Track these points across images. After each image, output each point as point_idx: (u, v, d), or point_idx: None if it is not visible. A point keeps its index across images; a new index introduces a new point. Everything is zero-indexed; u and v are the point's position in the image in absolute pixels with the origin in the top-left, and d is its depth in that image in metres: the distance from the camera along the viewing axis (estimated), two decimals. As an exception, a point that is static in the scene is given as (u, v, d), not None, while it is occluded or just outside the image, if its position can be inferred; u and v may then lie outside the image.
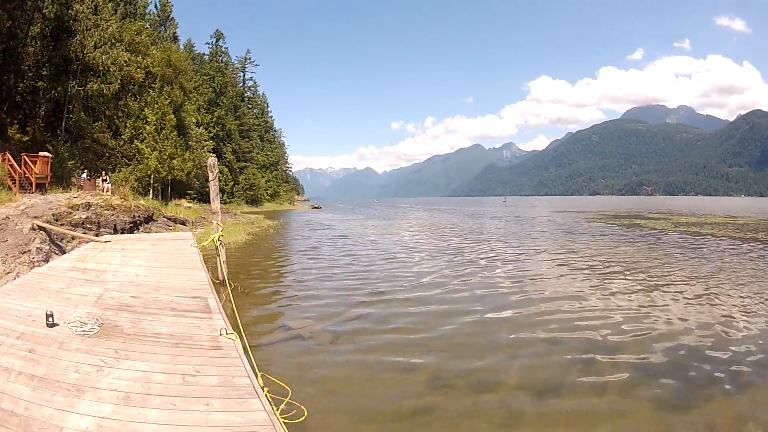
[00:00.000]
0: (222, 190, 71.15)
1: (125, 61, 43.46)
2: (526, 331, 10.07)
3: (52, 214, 19.14)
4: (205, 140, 67.96)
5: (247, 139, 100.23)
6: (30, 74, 39.84)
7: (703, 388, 7.21)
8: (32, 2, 37.25)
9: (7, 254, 15.75)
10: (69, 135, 39.85)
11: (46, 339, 5.60)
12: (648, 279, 16.22)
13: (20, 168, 26.19)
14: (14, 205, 19.83)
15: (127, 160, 48.43)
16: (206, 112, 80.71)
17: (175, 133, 50.76)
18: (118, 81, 42.75)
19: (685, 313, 11.60)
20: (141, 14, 64.51)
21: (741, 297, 13.33)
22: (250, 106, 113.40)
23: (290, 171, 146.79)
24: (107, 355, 5.14)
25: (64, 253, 16.61)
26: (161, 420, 3.87)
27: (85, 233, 19.02)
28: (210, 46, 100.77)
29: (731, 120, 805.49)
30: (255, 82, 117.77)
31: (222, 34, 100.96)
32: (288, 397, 5.78)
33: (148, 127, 48.42)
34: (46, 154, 29.77)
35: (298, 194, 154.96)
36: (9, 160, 26.11)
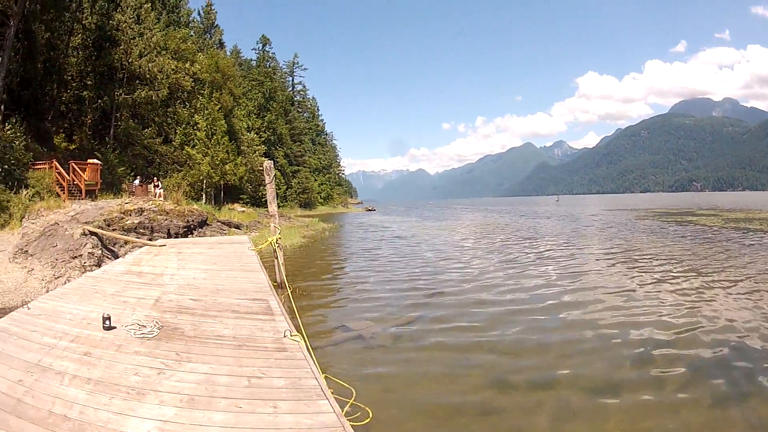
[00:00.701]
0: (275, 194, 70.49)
1: (172, 69, 43.90)
2: (579, 328, 10.32)
3: (104, 220, 19.31)
4: (257, 145, 68.35)
5: (298, 143, 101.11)
6: (74, 84, 40.35)
7: (757, 384, 7.23)
8: (70, 14, 37.89)
9: (57, 259, 16.02)
10: (118, 142, 40.15)
11: (103, 342, 5.59)
12: (699, 276, 16.16)
13: (69, 175, 26.53)
14: (63, 211, 20.02)
15: (178, 166, 49.12)
16: (257, 117, 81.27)
17: (226, 138, 51.01)
18: (166, 88, 43.38)
19: (739, 309, 11.58)
20: (185, 22, 65.59)
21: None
22: (300, 110, 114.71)
23: (343, 174, 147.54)
24: (168, 357, 5.13)
25: (117, 257, 16.76)
26: (227, 423, 3.85)
27: (138, 238, 19.17)
28: (257, 51, 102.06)
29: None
30: (304, 86, 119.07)
31: (268, 40, 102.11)
32: (352, 399, 5.83)
33: (198, 133, 48.85)
34: (96, 161, 30.02)
35: (352, 197, 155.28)
36: (56, 168, 26.65)
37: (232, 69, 64.32)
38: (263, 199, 65.92)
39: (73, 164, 27.43)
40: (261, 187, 67.64)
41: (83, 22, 40.01)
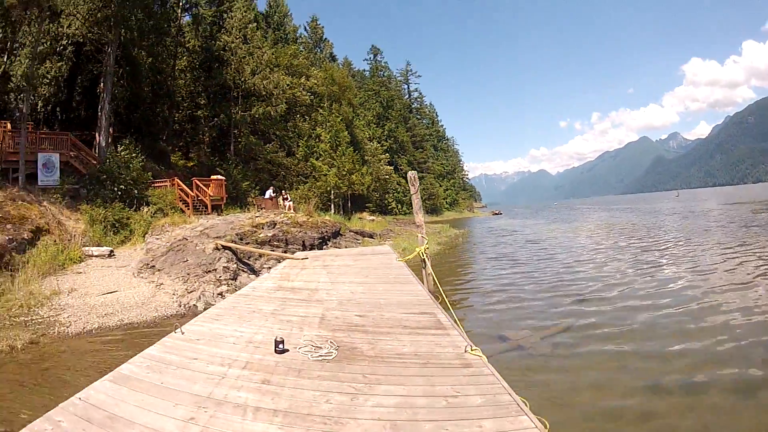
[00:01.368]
0: (401, 201, 73.65)
1: (288, 84, 44.33)
2: (724, 330, 10.10)
3: (236, 234, 19.56)
4: (380, 154, 68.75)
5: (420, 150, 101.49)
6: (185, 104, 42.36)
7: None
8: (171, 38, 39.10)
9: (188, 273, 16.45)
10: (239, 157, 40.79)
11: (279, 367, 5.21)
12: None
13: (192, 191, 26.68)
14: (190, 226, 20.95)
15: (303, 178, 49.79)
16: (376, 127, 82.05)
17: (351, 149, 51.81)
18: (284, 103, 43.48)
19: None
20: (292, 39, 66.77)
21: None
22: (418, 116, 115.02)
23: (467, 178, 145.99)
24: (356, 380, 4.72)
25: (254, 271, 17.56)
26: (439, 447, 3.71)
27: (273, 251, 19.33)
28: (369, 62, 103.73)
29: None
30: (420, 93, 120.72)
31: (379, 50, 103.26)
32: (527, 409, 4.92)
33: (322, 145, 49.95)
34: (219, 177, 30.31)
35: (476, 201, 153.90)
36: (179, 185, 26.92)
37: (347, 80, 65.61)
38: (389, 207, 67.75)
39: (197, 180, 27.70)
40: (387, 195, 68.40)
41: (186, 46, 42.06)
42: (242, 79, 39.92)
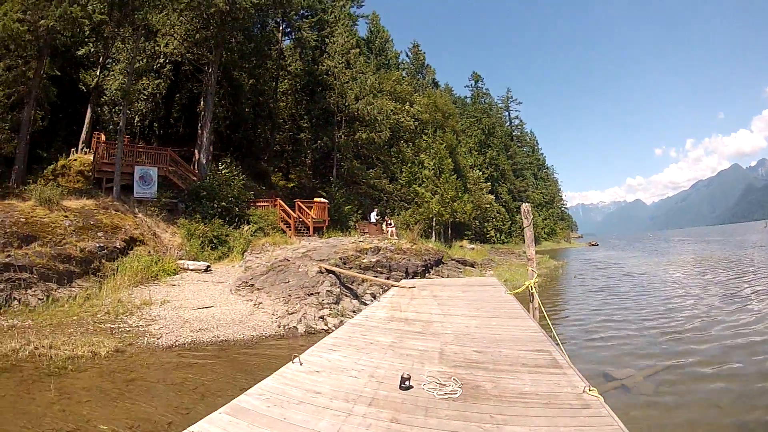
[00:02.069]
0: (500, 230, 73.99)
1: (392, 110, 44.51)
2: None
3: (340, 258, 19.47)
4: (482, 182, 68.02)
5: (521, 179, 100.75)
6: (286, 126, 43.96)
7: None
8: (273, 61, 40.29)
9: (290, 295, 16.24)
10: (342, 181, 40.95)
11: (405, 405, 4.97)
12: None
13: (294, 212, 26.86)
14: (291, 247, 21.25)
15: (405, 204, 49.75)
16: (478, 154, 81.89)
17: (454, 176, 51.44)
18: (388, 129, 43.76)
19: None
20: (394, 65, 67.19)
21: None
22: (519, 144, 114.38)
23: (565, 208, 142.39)
24: (483, 420, 4.56)
25: (357, 296, 17.53)
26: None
27: (375, 277, 19.13)
28: (470, 88, 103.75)
29: None
30: (521, 120, 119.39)
31: (480, 76, 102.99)
32: None
33: (425, 172, 49.69)
34: (323, 199, 30.44)
35: (573, 231, 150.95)
36: (281, 205, 27.25)
37: (450, 107, 65.60)
38: (488, 235, 67.58)
39: (299, 202, 27.95)
40: (486, 223, 68.56)
41: (288, 69, 43.22)
42: (346, 104, 40.31)
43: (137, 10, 21.92)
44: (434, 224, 47.70)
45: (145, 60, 30.23)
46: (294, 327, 13.57)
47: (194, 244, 21.11)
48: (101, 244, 16.61)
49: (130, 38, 24.52)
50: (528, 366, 6.33)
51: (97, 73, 29.61)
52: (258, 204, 27.71)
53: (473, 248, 44.90)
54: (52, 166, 23.93)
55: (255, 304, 15.41)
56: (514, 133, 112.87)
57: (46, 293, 13.73)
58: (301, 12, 43.80)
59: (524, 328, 8.74)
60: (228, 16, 27.83)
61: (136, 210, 20.76)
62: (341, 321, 11.90)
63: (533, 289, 11.20)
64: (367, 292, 17.62)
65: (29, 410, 7.21)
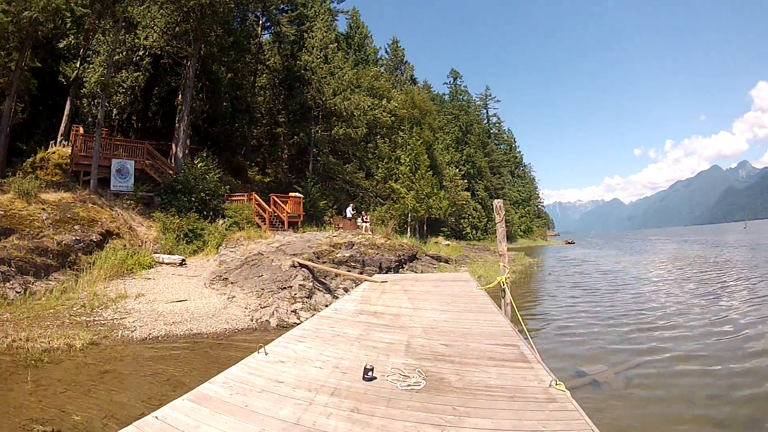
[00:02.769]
0: (476, 227, 73.98)
1: (369, 106, 44.81)
2: None
3: (313, 252, 19.62)
4: (458, 179, 68.91)
5: (498, 176, 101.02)
6: (264, 121, 44.02)
7: None
8: (252, 55, 40.36)
9: (263, 288, 16.45)
10: (317, 176, 41.07)
11: (368, 395, 5.07)
12: None
13: (270, 207, 27.01)
14: (266, 242, 20.97)
15: (381, 200, 50.08)
16: (455, 151, 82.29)
17: (430, 173, 52.06)
18: (364, 125, 44.32)
19: None
20: (373, 60, 67.41)
21: None
22: (497, 142, 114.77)
23: (542, 206, 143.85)
24: (445, 412, 4.62)
25: (329, 290, 17.63)
26: (525, 483, 3.87)
27: (349, 271, 19.34)
28: (448, 85, 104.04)
29: None
30: (499, 118, 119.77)
31: (458, 73, 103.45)
32: None
33: (402, 168, 50.24)
34: (298, 194, 30.67)
35: (549, 229, 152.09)
36: (256, 200, 27.43)
37: (428, 104, 66.05)
38: (464, 232, 67.69)
39: (275, 197, 28.11)
40: (462, 220, 68.90)
41: (267, 63, 43.48)
42: (323, 99, 40.45)
43: (118, 2, 22.02)
44: (410, 220, 48.30)
45: (124, 52, 30.33)
46: (266, 321, 13.72)
47: (169, 237, 21.16)
48: (78, 238, 16.68)
49: (111, 30, 24.50)
50: (495, 360, 6.47)
51: (77, 65, 29.57)
52: (233, 198, 27.87)
53: (448, 244, 45.47)
54: (31, 159, 23.94)
55: (228, 298, 15.54)
56: (491, 131, 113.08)
57: (23, 286, 13.81)
58: (282, 6, 43.76)
59: (493, 323, 8.90)
60: (208, 9, 27.87)
61: (113, 203, 20.82)
62: (313, 315, 11.53)
63: (505, 284, 11.38)
64: (340, 286, 17.77)
65: (6, 401, 7.38)
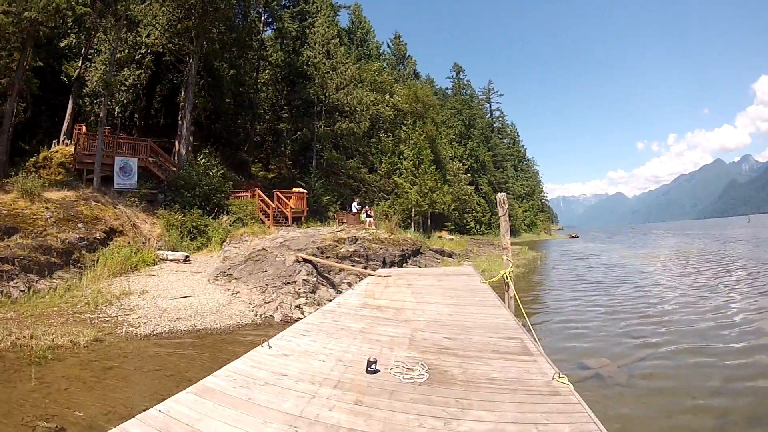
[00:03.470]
0: (479, 221, 73.86)
1: (371, 101, 44.62)
2: None
3: (317, 248, 19.52)
4: (462, 173, 68.89)
5: (501, 170, 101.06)
6: (267, 117, 43.84)
7: None
8: (254, 52, 40.40)
9: (267, 284, 16.42)
10: (321, 171, 41.04)
11: (371, 388, 5.01)
12: None
13: (273, 203, 26.88)
14: (270, 237, 21.09)
15: (384, 194, 50.07)
16: (458, 145, 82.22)
17: (433, 167, 51.92)
18: (367, 120, 44.21)
19: None
20: (375, 55, 67.47)
21: None
22: (500, 136, 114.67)
23: (546, 200, 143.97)
24: (448, 405, 4.56)
25: (333, 285, 17.64)
26: (527, 474, 3.92)
27: (353, 266, 19.22)
28: (451, 80, 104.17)
29: None
30: (502, 112, 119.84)
31: (461, 68, 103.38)
32: None
33: (405, 163, 50.24)
34: (301, 190, 30.57)
35: (553, 223, 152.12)
36: (260, 195, 27.35)
37: (431, 98, 65.74)
38: (468, 226, 67.72)
39: (278, 192, 28.02)
40: (466, 215, 68.81)
41: (269, 59, 43.43)
42: (326, 95, 40.46)
43: (119, 0, 22.01)
44: (413, 215, 48.07)
45: (126, 51, 30.19)
46: (270, 316, 13.79)
47: (173, 234, 21.22)
48: (81, 236, 16.73)
49: (112, 29, 24.52)
50: (498, 353, 6.42)
51: (79, 64, 29.57)
52: (237, 194, 27.90)
53: (452, 239, 45.64)
54: (33, 159, 23.93)
55: (232, 294, 15.59)
56: (494, 125, 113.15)
57: (27, 285, 13.83)
58: (283, 2, 44.08)
59: (497, 316, 8.82)
60: (209, 6, 27.85)
61: (116, 201, 20.86)
62: (317, 310, 11.24)
63: (508, 278, 11.29)
64: (344, 281, 17.75)
65: (10, 398, 7.41)
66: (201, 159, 27.20)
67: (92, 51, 31.50)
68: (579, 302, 18.19)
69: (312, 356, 6.14)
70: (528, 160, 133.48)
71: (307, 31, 42.99)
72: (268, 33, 44.41)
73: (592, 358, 10.44)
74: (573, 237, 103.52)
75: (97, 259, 16.57)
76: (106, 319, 12.19)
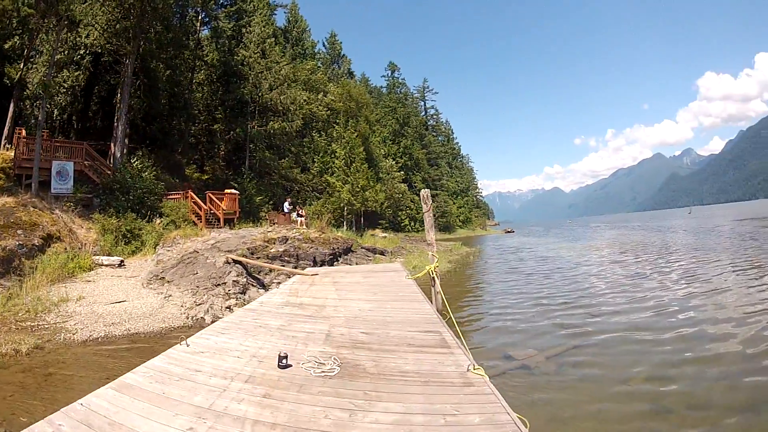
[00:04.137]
0: (414, 219, 73.98)
1: (304, 100, 45.00)
2: (734, 351, 10.07)
3: (247, 248, 19.63)
4: (395, 171, 69.30)
5: (435, 167, 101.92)
6: (202, 117, 43.20)
7: None
8: (190, 51, 40.05)
9: (198, 286, 16.59)
10: (254, 172, 41.41)
11: (281, 382, 5.28)
12: None
13: (206, 204, 27.08)
14: (202, 239, 21.14)
15: (317, 194, 50.33)
16: (392, 143, 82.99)
17: (365, 165, 52.28)
18: (300, 119, 44.39)
19: None
20: (311, 54, 67.36)
21: None
22: (434, 134, 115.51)
23: (481, 196, 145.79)
24: (356, 397, 4.79)
25: (263, 285, 17.75)
26: (431, 465, 3.86)
27: (283, 266, 19.34)
28: (386, 78, 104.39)
29: None
30: (437, 110, 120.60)
31: (396, 66, 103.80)
32: (527, 430, 4.80)
33: (337, 161, 50.44)
34: (233, 190, 30.81)
35: (489, 219, 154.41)
36: (192, 197, 27.35)
37: (365, 96, 65.88)
38: (402, 224, 67.76)
39: (210, 194, 28.25)
40: (400, 212, 68.89)
41: (205, 59, 43.10)
42: (259, 94, 40.64)
43: (62, 0, 21.99)
44: (346, 213, 48.44)
45: (66, 51, 30.05)
46: (202, 317, 13.91)
47: (108, 239, 21.20)
48: (21, 242, 16.80)
49: (54, 29, 24.46)
50: (414, 346, 6.67)
51: (21, 66, 29.13)
52: (170, 197, 27.66)
53: (385, 236, 46.35)
54: (-26, 164, 23.45)
55: (165, 297, 15.77)
56: (429, 123, 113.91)
57: (-30, 295, 13.60)
58: (221, 1, 43.82)
59: (418, 311, 9.16)
60: (148, 5, 28.00)
61: (54, 206, 20.82)
62: (240, 308, 11.48)
63: (434, 273, 11.42)
64: (274, 281, 17.80)
65: (-44, 406, 7.58)
66: (135, 161, 27.06)
67: (34, 52, 31.03)
68: (510, 294, 18.67)
69: (227, 353, 6.40)
70: (462, 157, 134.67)
71: (244, 30, 43.13)
72: (205, 32, 44.07)
73: (520, 349, 10.70)
74: (508, 232, 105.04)
75: (36, 266, 16.62)
76: (46, 326, 12.42)
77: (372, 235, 45.29)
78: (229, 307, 14.92)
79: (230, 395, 4.78)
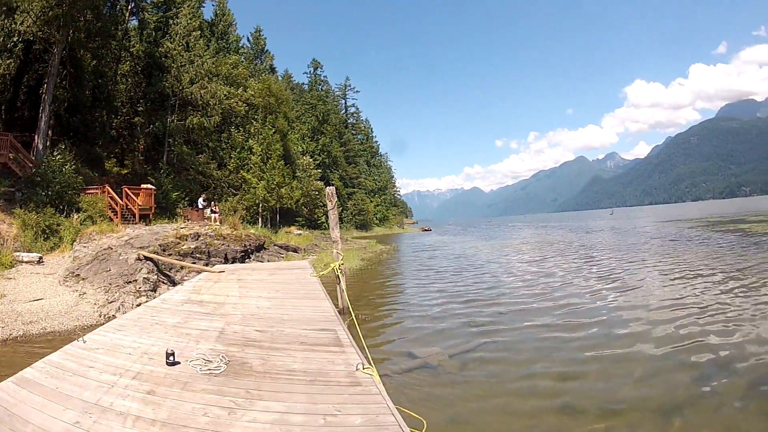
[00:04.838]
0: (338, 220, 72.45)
1: (225, 95, 44.86)
2: (643, 348, 10.04)
3: (159, 245, 19.62)
4: (312, 168, 69.23)
5: (353, 165, 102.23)
6: (124, 110, 41.95)
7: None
8: (117, 42, 39.34)
9: (110, 284, 16.41)
10: (171, 167, 40.93)
11: (167, 379, 5.38)
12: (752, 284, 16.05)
13: (122, 200, 26.85)
14: (117, 235, 20.83)
15: (233, 190, 50.02)
16: (311, 141, 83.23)
17: (282, 162, 52.36)
18: (219, 114, 44.50)
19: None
20: (234, 49, 66.56)
21: None
22: (354, 132, 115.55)
23: (398, 194, 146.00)
24: (238, 395, 4.88)
25: (174, 283, 17.49)
26: (304, 467, 3.79)
27: (194, 263, 19.40)
28: (308, 75, 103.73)
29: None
30: (357, 109, 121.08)
31: (319, 64, 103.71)
32: (423, 430, 5.48)
33: (253, 158, 50.42)
34: (149, 186, 30.48)
35: (407, 217, 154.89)
36: (109, 192, 27.12)
37: (284, 93, 65.61)
38: (319, 222, 67.31)
39: (126, 189, 27.85)
40: (317, 210, 68.68)
41: (131, 50, 42.40)
42: (180, 88, 40.24)
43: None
44: (261, 210, 48.74)
45: (1, 39, 29.23)
46: (113, 315, 13.81)
47: (28, 234, 20.73)
48: None
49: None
50: (306, 344, 6.77)
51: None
52: (88, 191, 26.90)
53: (300, 234, 46.29)
54: None
55: (80, 295, 15.60)
56: (349, 121, 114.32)
57: None
58: (152, -9, 42.32)
59: (317, 309, 9.33)
60: (82, -8, 27.02)
61: None
62: (140, 306, 11.91)
63: (338, 271, 11.93)
64: (185, 278, 17.24)
65: None
66: (56, 155, 26.40)
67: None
68: (419, 292, 18.65)
69: (120, 350, 6.50)
70: (381, 155, 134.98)
71: (170, 22, 42.57)
72: (134, 22, 43.22)
73: (424, 347, 10.53)
74: (425, 230, 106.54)
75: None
76: (-32, 326, 12.17)
77: (287, 232, 45.42)
78: (139, 305, 14.04)
79: (117, 391, 4.93)
